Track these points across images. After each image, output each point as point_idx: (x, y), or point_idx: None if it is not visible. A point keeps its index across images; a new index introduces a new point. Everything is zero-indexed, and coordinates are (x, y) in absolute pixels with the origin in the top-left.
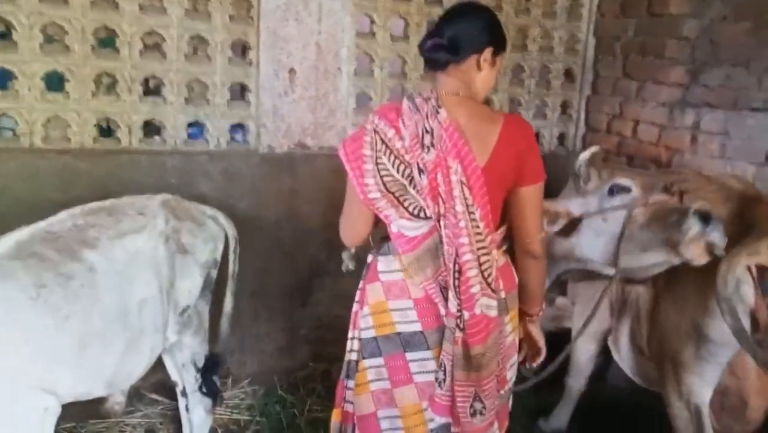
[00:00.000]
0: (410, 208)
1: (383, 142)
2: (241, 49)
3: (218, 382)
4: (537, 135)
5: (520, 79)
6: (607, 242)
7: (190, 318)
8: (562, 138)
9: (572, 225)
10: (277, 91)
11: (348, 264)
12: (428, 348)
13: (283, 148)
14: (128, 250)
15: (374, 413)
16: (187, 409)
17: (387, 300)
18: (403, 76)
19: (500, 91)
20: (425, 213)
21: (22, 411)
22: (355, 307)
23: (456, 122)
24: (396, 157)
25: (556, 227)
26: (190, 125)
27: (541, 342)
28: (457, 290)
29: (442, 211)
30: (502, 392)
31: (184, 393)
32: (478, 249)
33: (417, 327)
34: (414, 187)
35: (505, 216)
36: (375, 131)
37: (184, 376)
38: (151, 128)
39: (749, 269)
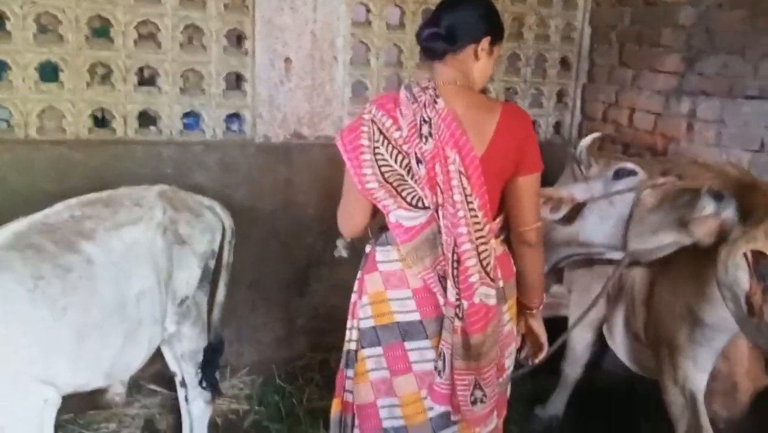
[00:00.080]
0: (408, 199)
1: (381, 132)
2: (237, 39)
3: (218, 376)
4: (533, 124)
5: (516, 68)
6: (614, 225)
7: (188, 309)
8: (558, 126)
9: (574, 211)
10: (272, 81)
11: (342, 251)
12: (427, 337)
13: (279, 137)
14: (126, 241)
15: (374, 402)
16: (186, 400)
17: (386, 290)
18: (399, 65)
19: (496, 80)
20: (423, 203)
21: (22, 403)
22: (354, 297)
23: (454, 112)
24: (394, 147)
25: (560, 214)
26: (185, 115)
27: (543, 338)
28: (456, 279)
29: (440, 201)
30: (500, 380)
31: (183, 384)
32: (477, 239)
33: (416, 317)
34: (412, 177)
35: (503, 205)
36: (373, 121)
37: (183, 367)
38: (146, 118)
39: (745, 255)
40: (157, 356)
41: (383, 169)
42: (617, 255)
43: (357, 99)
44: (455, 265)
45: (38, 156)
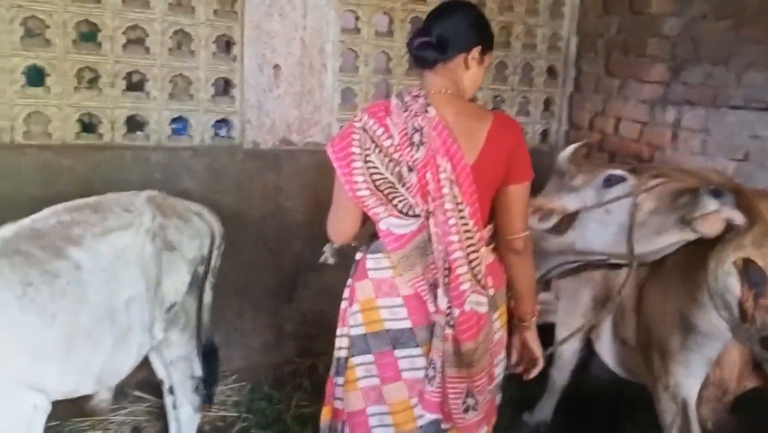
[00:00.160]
0: (399, 206)
1: (372, 140)
2: (225, 45)
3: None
4: None
5: (504, 76)
6: (615, 232)
7: (177, 315)
8: (545, 135)
9: (565, 221)
10: (261, 87)
11: (329, 258)
12: (417, 345)
13: (267, 144)
14: (114, 247)
15: (363, 410)
16: (174, 406)
17: (376, 297)
18: (387, 72)
19: (484, 88)
20: (414, 211)
21: (11, 409)
22: (344, 304)
23: (445, 120)
24: (385, 155)
25: (549, 223)
26: (173, 121)
27: (538, 352)
28: (447, 287)
29: (431, 209)
30: (490, 387)
31: (171, 391)
32: (468, 247)
33: (406, 324)
34: (403, 186)
35: (493, 213)
36: (364, 129)
37: (172, 373)
38: (134, 124)
39: (734, 262)
40: (144, 363)
41: (374, 177)
42: (621, 261)
43: (346, 106)
44: (446, 273)
45: (24, 161)
